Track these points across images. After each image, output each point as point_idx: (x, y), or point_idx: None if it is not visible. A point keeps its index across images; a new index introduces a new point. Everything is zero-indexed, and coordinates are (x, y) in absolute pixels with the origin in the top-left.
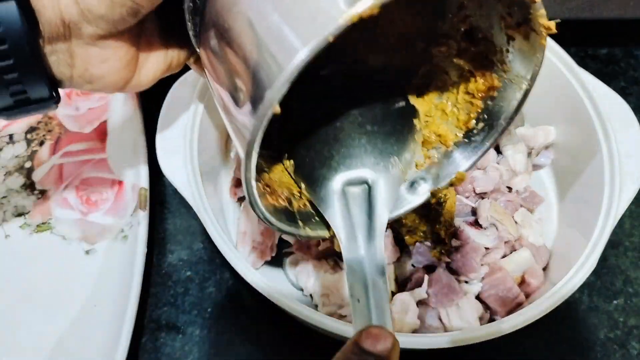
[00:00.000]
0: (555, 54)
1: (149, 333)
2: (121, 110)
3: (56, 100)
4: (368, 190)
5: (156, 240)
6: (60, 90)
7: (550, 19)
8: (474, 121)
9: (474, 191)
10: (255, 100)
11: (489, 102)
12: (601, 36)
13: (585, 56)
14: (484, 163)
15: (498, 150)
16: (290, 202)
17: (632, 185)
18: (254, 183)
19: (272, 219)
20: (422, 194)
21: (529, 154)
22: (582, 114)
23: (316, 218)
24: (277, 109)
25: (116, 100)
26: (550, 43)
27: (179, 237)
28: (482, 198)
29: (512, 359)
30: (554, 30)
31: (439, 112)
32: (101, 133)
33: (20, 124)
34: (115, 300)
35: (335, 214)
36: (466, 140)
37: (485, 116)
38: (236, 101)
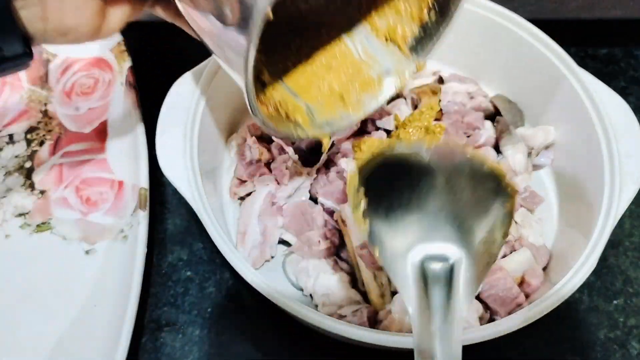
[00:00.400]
0: (555, 54)
1: (149, 333)
2: (121, 110)
3: (30, 56)
4: (450, 269)
5: (156, 240)
6: (60, 90)
7: (551, 19)
8: (425, 11)
9: None
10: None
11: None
12: (601, 36)
13: (585, 56)
14: None
15: (498, 150)
16: (277, 111)
17: (632, 185)
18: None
19: (270, 123)
20: (388, 90)
21: (529, 154)
22: (582, 114)
23: (302, 127)
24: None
25: (116, 100)
26: (551, 43)
27: (179, 237)
28: None
29: (512, 359)
30: None
31: (393, 12)
32: (101, 133)
33: (20, 124)
34: (115, 300)
35: (409, 294)
36: (422, 34)
37: (435, 5)
38: (224, 19)
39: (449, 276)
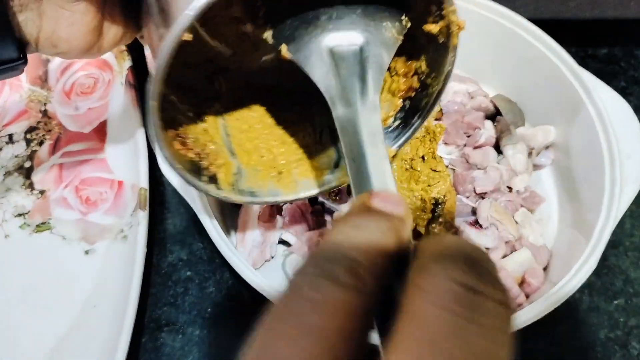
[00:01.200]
0: (555, 54)
1: (149, 333)
2: (121, 110)
3: (24, 62)
4: (359, 52)
5: (156, 240)
6: (60, 90)
7: (551, 19)
8: (392, 119)
9: (474, 191)
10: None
11: (406, 102)
12: (601, 36)
13: (586, 56)
14: (484, 163)
15: (498, 150)
16: (200, 159)
17: (632, 185)
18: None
19: (174, 162)
20: (328, 183)
21: (529, 154)
22: (583, 114)
23: (218, 185)
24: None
25: (116, 100)
26: (551, 42)
27: (178, 237)
28: (482, 198)
29: (513, 359)
30: (464, 29)
31: None
32: (101, 133)
33: (20, 124)
34: (115, 300)
35: (321, 73)
36: (397, 123)
37: (400, 115)
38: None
39: (360, 58)
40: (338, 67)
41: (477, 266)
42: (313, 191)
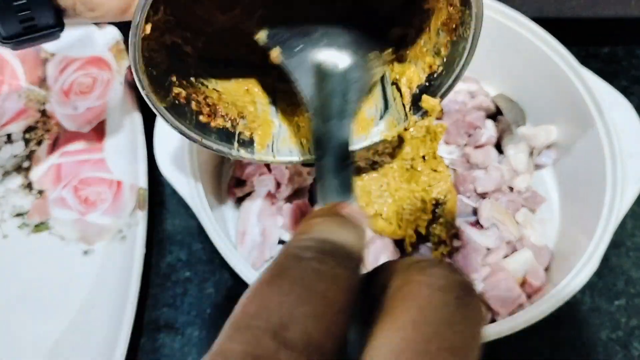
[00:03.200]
0: (557, 53)
1: (147, 334)
2: (119, 110)
3: (61, 28)
4: (344, 73)
5: (155, 241)
6: (58, 89)
7: (552, 18)
8: (438, 62)
9: (475, 191)
10: None
11: (449, 46)
12: (603, 35)
13: (587, 55)
14: (485, 163)
15: (499, 150)
16: (233, 125)
17: (634, 185)
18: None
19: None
20: (373, 136)
21: (531, 154)
22: (584, 113)
23: (252, 147)
24: None
25: (115, 99)
26: (553, 42)
27: (177, 238)
28: (484, 198)
29: (514, 359)
30: None
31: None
32: (99, 132)
33: (18, 124)
34: (114, 301)
35: (306, 84)
36: (427, 83)
37: (445, 60)
38: None
39: (343, 78)
40: (323, 83)
41: (457, 270)
42: (358, 145)
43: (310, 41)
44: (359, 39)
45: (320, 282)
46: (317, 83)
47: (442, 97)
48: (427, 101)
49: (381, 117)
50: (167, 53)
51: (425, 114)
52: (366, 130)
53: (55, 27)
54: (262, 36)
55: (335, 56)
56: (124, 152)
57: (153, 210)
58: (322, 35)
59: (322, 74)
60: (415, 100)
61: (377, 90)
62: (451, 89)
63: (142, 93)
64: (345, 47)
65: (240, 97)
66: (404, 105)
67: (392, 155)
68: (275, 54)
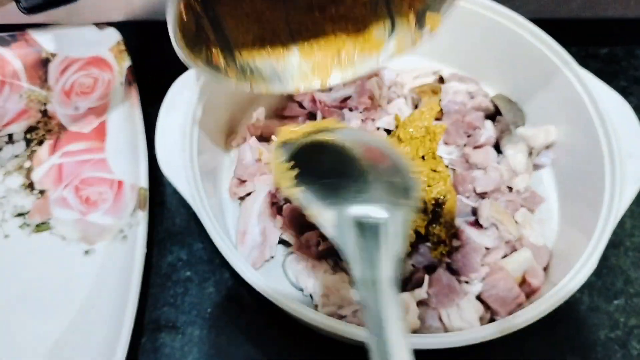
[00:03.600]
0: (556, 54)
1: (148, 333)
2: (120, 110)
3: None
4: (381, 225)
5: (155, 241)
6: (59, 89)
7: (551, 19)
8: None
9: (475, 191)
10: None
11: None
12: (602, 35)
13: (586, 55)
14: (484, 163)
15: (499, 150)
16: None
17: (633, 185)
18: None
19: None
20: (385, 54)
21: (530, 154)
22: (583, 114)
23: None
24: None
25: (116, 100)
26: (551, 42)
27: (178, 237)
28: (483, 198)
29: (513, 359)
30: None
31: None
32: (101, 133)
33: (19, 124)
34: (115, 301)
35: (347, 240)
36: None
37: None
38: None
39: (381, 231)
40: (362, 237)
41: None
42: (370, 67)
43: (345, 200)
44: (388, 191)
45: None
46: (357, 238)
47: (443, 14)
48: (430, 17)
49: (389, 36)
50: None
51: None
52: (377, 49)
53: None
54: (299, 196)
55: (370, 210)
56: (125, 152)
57: (154, 210)
58: (354, 192)
59: (360, 229)
60: (419, 19)
61: (383, 12)
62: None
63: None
64: (378, 200)
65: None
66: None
67: None
68: (312, 215)
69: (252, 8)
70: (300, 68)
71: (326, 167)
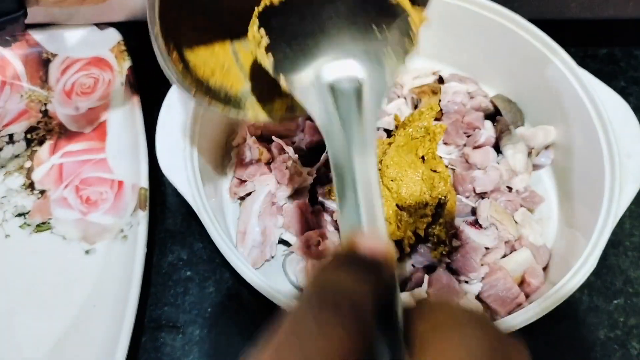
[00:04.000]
0: (555, 54)
1: (149, 333)
2: (121, 110)
3: (24, 14)
4: (359, 86)
5: (156, 240)
6: (60, 90)
7: (550, 19)
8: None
9: (474, 191)
10: None
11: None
12: (601, 36)
13: (585, 56)
14: (484, 163)
15: (498, 150)
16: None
17: (632, 185)
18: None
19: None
20: None
21: (529, 154)
22: (582, 114)
23: (231, 97)
24: None
25: (116, 100)
26: (551, 43)
27: (178, 237)
28: (482, 198)
29: None
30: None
31: None
32: (101, 133)
33: (20, 124)
34: (115, 300)
35: (320, 109)
36: None
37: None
38: None
39: (358, 92)
40: (337, 102)
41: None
42: None
43: (315, 59)
44: (367, 36)
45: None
46: (331, 105)
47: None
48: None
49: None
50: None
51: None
52: None
53: (18, 11)
54: (268, 65)
55: (345, 68)
56: (126, 152)
57: (154, 210)
58: (327, 47)
59: (334, 95)
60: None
61: None
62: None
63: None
64: (354, 52)
65: (208, 57)
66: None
67: None
68: (283, 83)
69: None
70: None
71: (304, 24)
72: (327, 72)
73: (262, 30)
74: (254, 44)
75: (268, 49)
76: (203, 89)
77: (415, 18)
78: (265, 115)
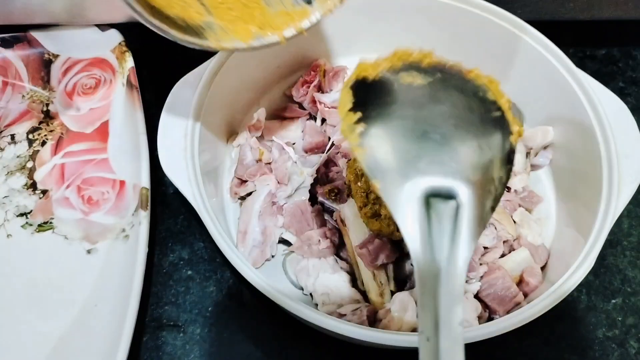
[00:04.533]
0: (553, 55)
1: (150, 332)
2: (122, 111)
3: None
4: (457, 207)
5: (157, 240)
6: (62, 90)
7: (549, 20)
8: None
9: None
10: None
11: None
12: (599, 37)
13: (584, 57)
14: None
15: None
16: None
17: (630, 185)
18: None
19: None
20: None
21: (528, 154)
22: (581, 115)
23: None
24: None
25: (118, 100)
26: (549, 44)
27: (180, 237)
28: None
29: (511, 358)
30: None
31: None
32: (103, 133)
33: (22, 124)
34: (117, 300)
35: (411, 223)
36: None
37: None
38: None
39: (454, 214)
40: (430, 221)
41: None
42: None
43: (413, 170)
44: (469, 155)
45: None
46: (424, 221)
47: None
48: None
49: (310, 2)
50: None
51: None
52: (303, 18)
53: None
54: (363, 162)
55: (445, 184)
56: (127, 152)
57: (155, 210)
58: (429, 160)
59: (428, 211)
60: None
61: None
62: None
63: None
64: (458, 168)
65: None
66: None
67: None
68: (376, 188)
69: None
70: (219, 27)
71: (405, 120)
72: (424, 184)
73: (359, 114)
74: (347, 125)
75: (362, 141)
76: (160, 16)
77: (515, 132)
78: (230, 43)
